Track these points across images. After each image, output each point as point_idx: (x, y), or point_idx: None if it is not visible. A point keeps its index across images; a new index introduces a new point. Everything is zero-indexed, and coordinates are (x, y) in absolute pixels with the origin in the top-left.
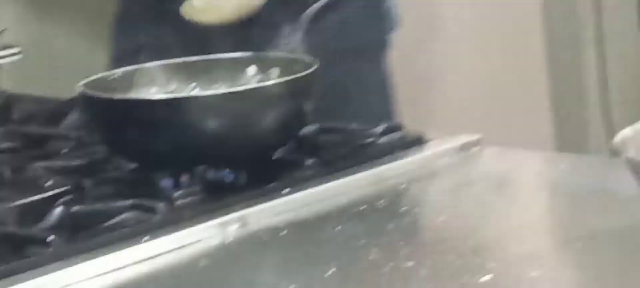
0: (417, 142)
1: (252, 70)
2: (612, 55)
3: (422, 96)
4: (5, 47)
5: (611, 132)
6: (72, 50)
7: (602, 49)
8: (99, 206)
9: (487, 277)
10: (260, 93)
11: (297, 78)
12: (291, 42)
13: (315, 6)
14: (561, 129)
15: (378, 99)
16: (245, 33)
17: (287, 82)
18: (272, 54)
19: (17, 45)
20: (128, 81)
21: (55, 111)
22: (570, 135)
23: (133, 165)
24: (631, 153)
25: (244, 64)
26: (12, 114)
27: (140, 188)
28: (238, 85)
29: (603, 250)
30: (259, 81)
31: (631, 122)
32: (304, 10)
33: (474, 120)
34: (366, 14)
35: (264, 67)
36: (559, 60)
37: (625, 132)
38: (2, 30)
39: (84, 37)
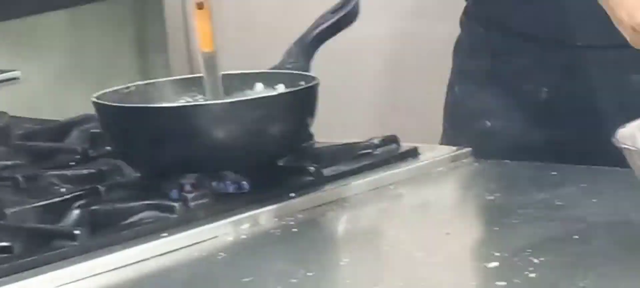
0: (411, 153)
1: (259, 86)
2: None
3: None
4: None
5: None
6: (64, 77)
7: None
8: (117, 206)
9: (494, 263)
10: (265, 102)
11: (301, 90)
12: (298, 61)
13: (320, 29)
14: None
15: None
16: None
17: (291, 93)
18: (278, 71)
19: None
20: (140, 95)
21: (57, 129)
22: None
23: (140, 175)
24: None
25: (251, 80)
26: (15, 133)
27: (151, 193)
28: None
29: (596, 241)
30: None
31: None
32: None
33: None
34: None
35: (270, 83)
36: None
37: (624, 130)
38: None
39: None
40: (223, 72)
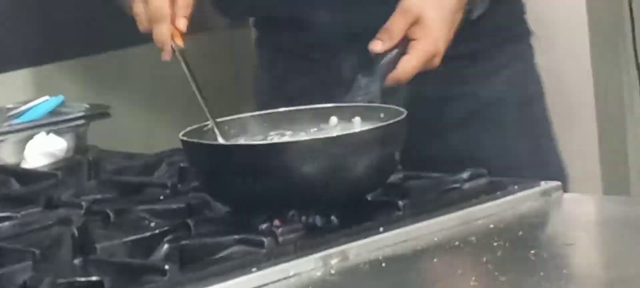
0: (501, 187)
1: (333, 120)
2: None
3: None
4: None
5: None
6: (152, 111)
7: None
8: (206, 240)
9: None
10: (357, 138)
11: (391, 124)
12: (370, 92)
13: (391, 55)
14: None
15: None
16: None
17: (381, 128)
18: (353, 104)
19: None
20: (228, 131)
21: (146, 164)
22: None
23: (229, 209)
24: None
25: (326, 114)
26: (105, 167)
27: (240, 227)
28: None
29: None
30: (342, 129)
31: None
32: (379, 60)
33: None
34: None
35: (345, 117)
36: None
37: None
38: None
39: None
40: (296, 108)
